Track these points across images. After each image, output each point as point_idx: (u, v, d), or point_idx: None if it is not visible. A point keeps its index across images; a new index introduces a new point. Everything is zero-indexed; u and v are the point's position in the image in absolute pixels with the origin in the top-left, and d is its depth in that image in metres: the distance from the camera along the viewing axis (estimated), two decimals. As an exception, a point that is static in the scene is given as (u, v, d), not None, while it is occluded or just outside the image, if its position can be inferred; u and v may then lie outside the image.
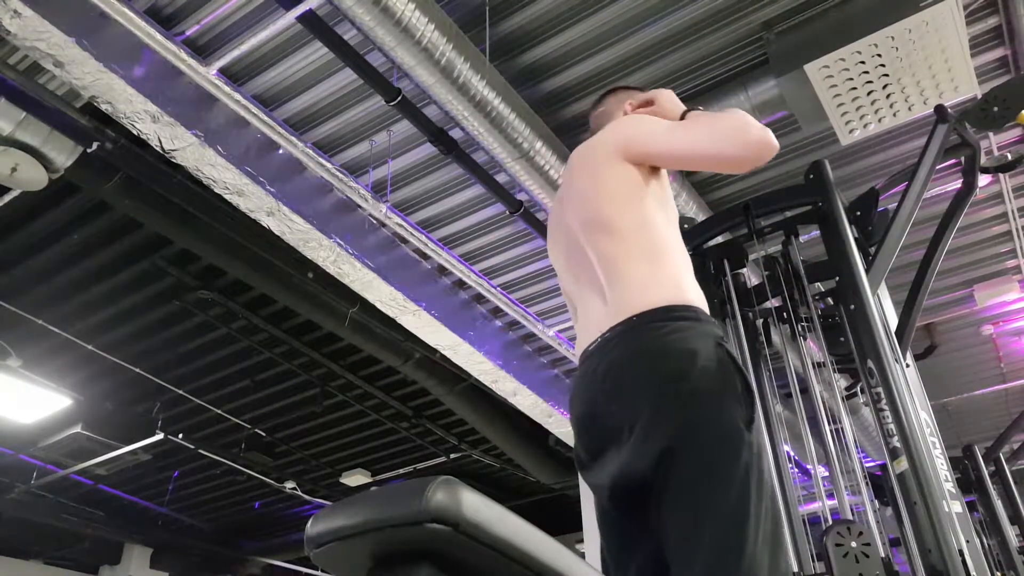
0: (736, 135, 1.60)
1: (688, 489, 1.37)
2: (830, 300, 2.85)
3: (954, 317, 4.96)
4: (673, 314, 1.53)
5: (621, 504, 1.52)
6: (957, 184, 3.16)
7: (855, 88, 3.08)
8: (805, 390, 2.81)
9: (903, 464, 2.28)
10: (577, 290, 1.78)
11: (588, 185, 1.75)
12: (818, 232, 2.83)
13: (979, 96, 2.93)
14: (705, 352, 1.46)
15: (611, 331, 1.56)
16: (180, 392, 5.86)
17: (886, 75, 3.03)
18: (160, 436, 6.05)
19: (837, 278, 2.69)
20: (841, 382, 3.33)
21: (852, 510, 2.48)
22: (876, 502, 2.79)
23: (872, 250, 2.76)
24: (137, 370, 5.54)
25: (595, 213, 1.70)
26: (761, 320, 3.05)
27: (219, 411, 6.18)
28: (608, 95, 2.13)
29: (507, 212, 3.90)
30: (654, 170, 1.74)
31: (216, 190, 3.43)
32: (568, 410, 1.76)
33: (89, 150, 3.52)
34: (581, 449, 1.63)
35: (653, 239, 1.64)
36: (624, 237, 1.64)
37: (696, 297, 1.60)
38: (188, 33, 3.21)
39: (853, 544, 2.11)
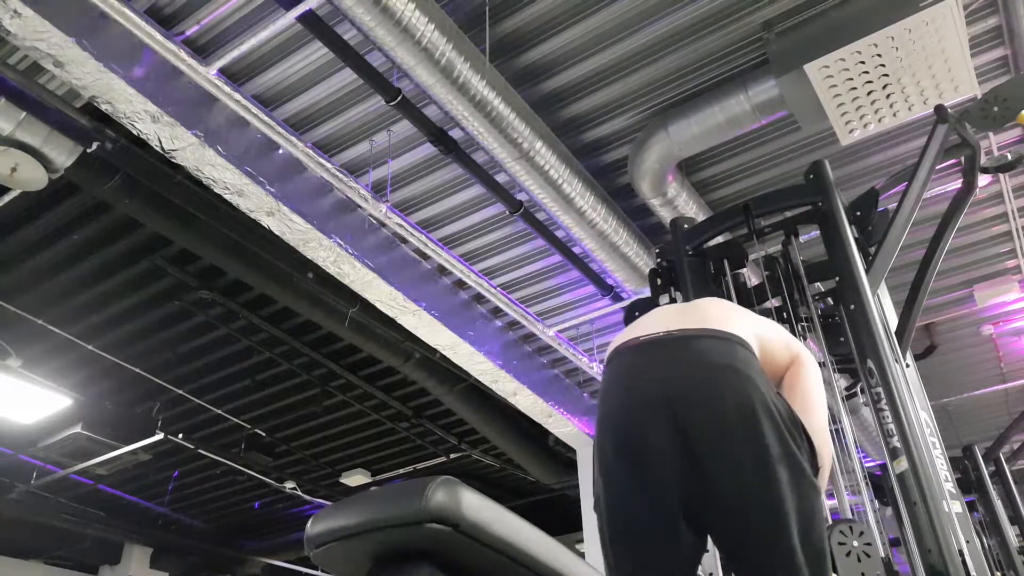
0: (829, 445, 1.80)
1: (782, 524, 1.47)
2: (830, 300, 2.84)
3: (954, 317, 4.96)
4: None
5: (690, 504, 1.53)
6: (957, 184, 3.15)
7: (855, 88, 3.07)
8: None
9: (903, 464, 2.28)
10: None
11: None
12: (818, 232, 2.82)
13: (979, 96, 2.93)
14: None
15: (687, 330, 1.67)
16: (180, 392, 5.86)
17: (886, 75, 3.03)
18: (160, 436, 6.05)
19: (837, 278, 2.69)
20: (841, 382, 3.32)
21: (852, 510, 2.48)
22: (876, 502, 2.79)
23: (872, 250, 2.75)
24: (137, 370, 5.54)
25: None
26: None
27: (219, 411, 6.17)
28: None
29: (507, 212, 3.90)
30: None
31: (216, 190, 3.43)
32: (621, 384, 1.67)
33: (89, 150, 3.52)
34: (666, 423, 1.53)
35: None
36: None
37: None
38: (188, 33, 3.21)
39: (855, 544, 2.11)
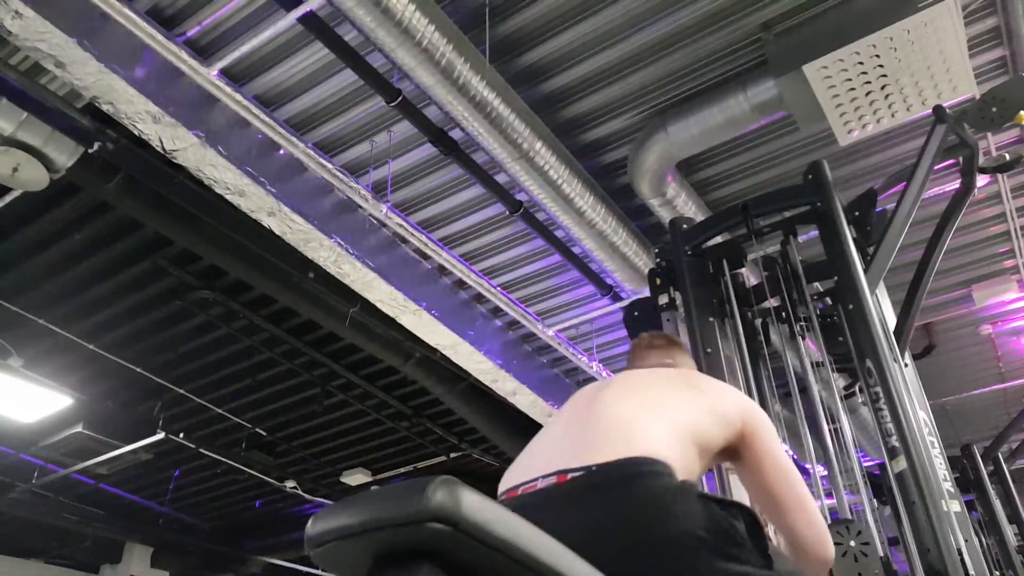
0: (827, 539, 1.52)
1: None
2: (828, 300, 2.85)
3: (952, 317, 4.96)
4: None
5: None
6: (955, 184, 3.16)
7: (853, 89, 3.08)
8: (804, 390, 2.81)
9: (902, 463, 2.28)
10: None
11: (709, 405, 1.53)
12: (817, 232, 2.83)
13: (978, 96, 2.94)
14: None
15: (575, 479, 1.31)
16: (181, 391, 5.87)
17: (884, 76, 3.04)
18: (161, 435, 6.05)
19: (836, 278, 2.70)
20: (840, 381, 3.33)
21: (851, 509, 2.49)
22: (875, 501, 2.80)
23: (870, 250, 2.76)
24: (138, 370, 5.55)
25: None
26: (760, 320, 3.06)
27: (220, 410, 6.18)
28: (675, 347, 1.91)
29: (507, 212, 3.91)
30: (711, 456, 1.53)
31: (217, 190, 3.43)
32: None
33: (90, 150, 3.53)
34: None
35: None
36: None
37: None
38: (189, 34, 3.21)
39: (852, 543, 2.12)
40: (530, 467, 1.37)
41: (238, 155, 3.34)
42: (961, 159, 3.00)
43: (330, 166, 3.73)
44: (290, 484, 7.42)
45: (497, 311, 4.81)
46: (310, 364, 5.67)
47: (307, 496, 7.71)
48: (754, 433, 1.55)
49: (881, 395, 2.39)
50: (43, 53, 2.82)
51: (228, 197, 3.46)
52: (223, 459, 6.69)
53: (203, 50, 3.29)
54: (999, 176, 3.86)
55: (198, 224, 3.97)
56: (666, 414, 1.43)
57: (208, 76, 3.22)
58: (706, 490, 1.62)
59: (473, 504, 0.86)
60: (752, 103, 3.22)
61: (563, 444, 1.40)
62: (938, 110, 2.86)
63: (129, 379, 5.71)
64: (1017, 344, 5.26)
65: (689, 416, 1.46)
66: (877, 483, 3.70)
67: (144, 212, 3.87)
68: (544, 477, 1.30)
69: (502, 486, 1.41)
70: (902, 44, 2.90)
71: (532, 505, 1.24)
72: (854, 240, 2.70)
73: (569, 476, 1.26)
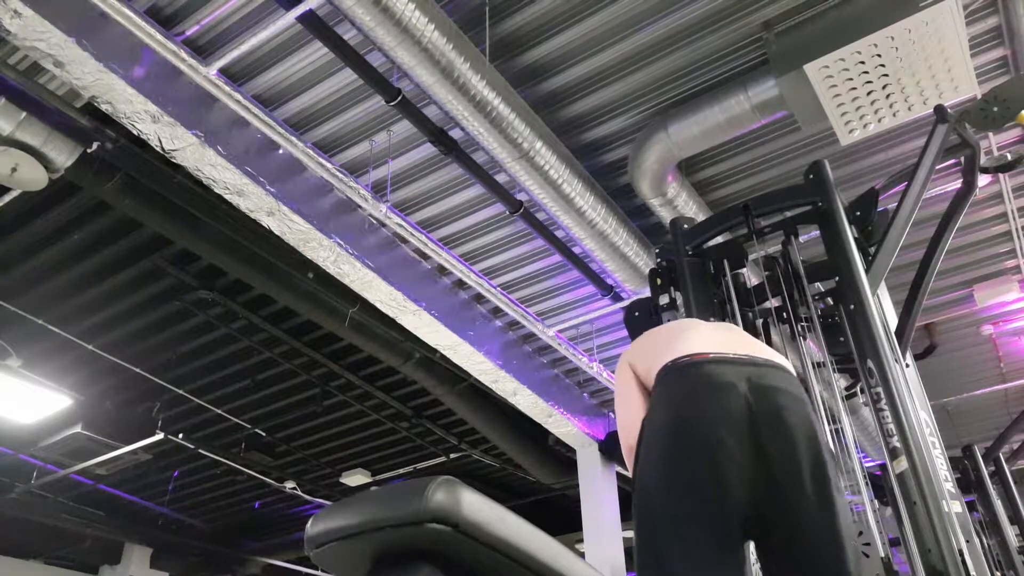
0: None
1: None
2: (830, 300, 2.85)
3: (954, 317, 4.96)
4: None
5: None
6: (957, 184, 3.16)
7: (855, 88, 3.07)
8: (805, 390, 2.80)
9: (903, 464, 2.28)
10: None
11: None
12: (818, 232, 2.82)
13: (979, 96, 2.93)
14: None
15: (769, 360, 1.74)
16: (180, 392, 5.87)
17: (886, 75, 3.03)
18: (160, 436, 6.04)
19: (837, 278, 2.69)
20: (841, 382, 3.32)
21: (852, 510, 2.48)
22: (876, 502, 2.80)
23: (872, 250, 2.75)
24: (137, 370, 5.54)
25: None
26: (761, 320, 3.05)
27: (219, 411, 6.18)
28: None
29: (507, 212, 3.90)
30: None
31: (216, 190, 3.43)
32: (710, 394, 1.65)
33: (89, 150, 3.52)
34: (750, 440, 1.61)
35: None
36: None
37: None
38: (188, 33, 3.21)
39: (853, 543, 2.11)
40: (725, 346, 1.74)
41: (237, 155, 3.33)
42: (962, 159, 2.99)
43: (329, 166, 3.72)
44: (289, 485, 7.42)
45: (497, 311, 4.81)
46: (309, 364, 5.67)
47: (306, 497, 7.70)
48: None
49: (882, 395, 2.38)
50: (42, 52, 2.81)
51: (227, 197, 3.45)
52: (222, 460, 6.69)
53: (202, 49, 3.28)
54: (1000, 176, 3.86)
55: (197, 224, 3.97)
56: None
57: (207, 75, 3.21)
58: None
59: (473, 505, 0.85)
60: (753, 102, 3.22)
61: (746, 344, 1.79)
62: (939, 110, 2.85)
63: (128, 379, 5.71)
64: (1018, 344, 5.25)
65: None
66: (878, 483, 3.70)
67: (143, 212, 3.86)
68: (751, 355, 1.71)
69: (691, 349, 1.73)
70: (903, 43, 2.90)
71: (746, 361, 1.69)
72: (855, 240, 2.69)
73: (771, 361, 1.72)
